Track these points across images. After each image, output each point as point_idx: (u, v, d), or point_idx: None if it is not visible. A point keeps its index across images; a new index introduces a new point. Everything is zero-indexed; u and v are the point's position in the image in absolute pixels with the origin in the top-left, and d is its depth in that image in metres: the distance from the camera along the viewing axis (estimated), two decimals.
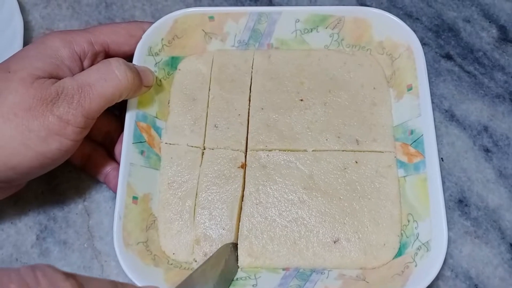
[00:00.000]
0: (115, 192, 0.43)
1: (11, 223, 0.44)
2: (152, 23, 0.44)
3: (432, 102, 0.41)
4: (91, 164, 0.43)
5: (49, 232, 0.44)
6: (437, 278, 0.41)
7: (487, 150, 0.46)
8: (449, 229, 0.42)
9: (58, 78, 0.37)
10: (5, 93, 0.35)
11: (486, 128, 0.47)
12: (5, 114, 0.34)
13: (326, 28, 0.45)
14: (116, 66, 0.37)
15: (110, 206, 0.44)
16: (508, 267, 0.42)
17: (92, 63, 0.41)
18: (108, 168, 0.43)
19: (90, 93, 0.36)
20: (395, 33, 0.44)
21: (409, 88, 0.42)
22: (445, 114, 0.48)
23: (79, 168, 0.44)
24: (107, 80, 0.37)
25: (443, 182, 0.44)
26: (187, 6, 0.52)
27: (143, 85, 0.40)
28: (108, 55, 0.42)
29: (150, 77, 0.41)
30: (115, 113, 0.45)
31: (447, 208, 0.43)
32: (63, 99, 0.35)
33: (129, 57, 0.42)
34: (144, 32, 0.43)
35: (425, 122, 0.40)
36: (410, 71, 0.43)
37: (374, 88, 0.45)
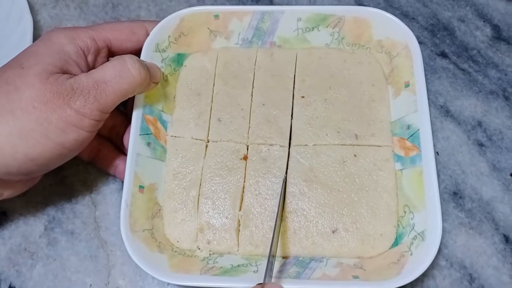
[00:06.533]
0: None
1: (20, 214, 0.45)
2: (156, 21, 0.45)
3: (428, 98, 0.42)
4: (100, 158, 0.45)
5: (57, 222, 0.45)
6: (433, 267, 0.42)
7: (481, 144, 0.47)
8: (444, 220, 0.43)
9: (68, 73, 0.38)
10: (22, 88, 0.36)
11: (480, 123, 0.48)
12: (24, 107, 0.35)
13: (327, 27, 0.47)
14: (130, 63, 0.39)
15: (116, 198, 0.45)
16: (501, 257, 0.43)
17: (95, 58, 0.42)
18: (117, 161, 0.44)
19: (106, 89, 0.37)
20: (394, 32, 0.45)
21: (407, 85, 0.43)
22: (441, 109, 0.49)
23: (88, 162, 0.45)
24: (122, 77, 0.38)
25: (439, 175, 0.45)
26: (191, 6, 0.53)
27: (151, 81, 0.41)
28: (110, 51, 0.43)
29: (158, 73, 0.43)
30: (120, 108, 0.46)
31: (442, 200, 0.44)
32: (79, 94, 0.36)
33: (131, 54, 0.43)
34: (146, 30, 0.44)
35: (421, 118, 0.41)
36: (407, 69, 0.44)
37: (373, 85, 0.46)
